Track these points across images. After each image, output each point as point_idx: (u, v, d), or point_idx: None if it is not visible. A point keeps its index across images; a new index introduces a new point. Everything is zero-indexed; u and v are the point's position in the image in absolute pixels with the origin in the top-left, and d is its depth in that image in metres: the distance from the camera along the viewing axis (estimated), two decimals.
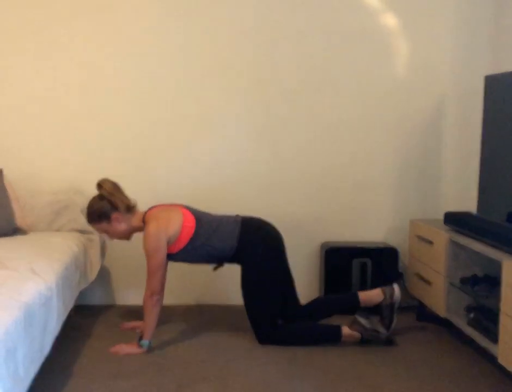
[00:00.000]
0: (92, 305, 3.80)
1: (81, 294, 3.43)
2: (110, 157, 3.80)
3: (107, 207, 3.16)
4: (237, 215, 3.30)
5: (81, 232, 3.56)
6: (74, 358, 3.00)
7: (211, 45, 3.76)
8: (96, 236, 3.56)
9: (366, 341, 3.21)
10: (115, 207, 3.16)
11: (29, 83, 3.74)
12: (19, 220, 3.45)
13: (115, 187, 3.20)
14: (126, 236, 3.28)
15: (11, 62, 3.72)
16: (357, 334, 3.20)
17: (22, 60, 3.72)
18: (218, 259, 3.27)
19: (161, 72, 3.77)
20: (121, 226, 3.21)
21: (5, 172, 3.56)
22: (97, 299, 3.85)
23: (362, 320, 3.21)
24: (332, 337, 3.22)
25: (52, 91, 3.75)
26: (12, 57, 3.72)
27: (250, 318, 3.24)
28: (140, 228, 3.20)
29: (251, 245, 3.20)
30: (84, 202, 3.47)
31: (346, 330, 3.21)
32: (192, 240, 3.15)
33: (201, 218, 3.21)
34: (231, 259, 3.25)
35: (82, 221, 3.47)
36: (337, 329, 3.22)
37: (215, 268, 3.35)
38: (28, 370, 2.24)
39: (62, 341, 3.04)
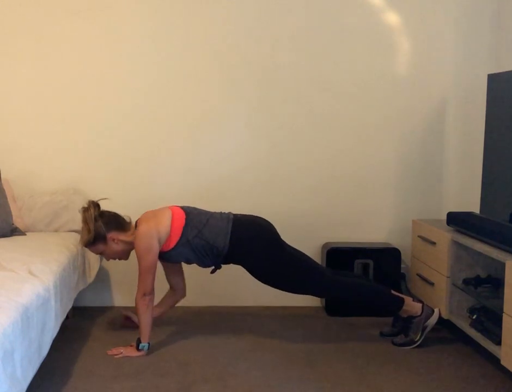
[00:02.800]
0: (90, 307, 3.78)
1: (80, 295, 3.41)
2: (110, 157, 3.78)
3: (101, 227, 3.08)
4: (229, 212, 3.22)
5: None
6: (72, 360, 2.98)
7: (210, 43, 3.74)
8: None
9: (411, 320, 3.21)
10: (109, 227, 3.09)
11: (27, 83, 3.71)
12: (17, 221, 3.43)
13: (99, 209, 3.13)
14: (124, 255, 3.20)
15: (9, 62, 3.70)
16: (418, 305, 3.21)
17: (20, 60, 3.70)
18: (213, 257, 3.14)
19: (161, 71, 3.75)
20: (118, 246, 3.13)
21: (3, 172, 3.54)
22: (95, 300, 3.83)
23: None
24: (397, 303, 3.21)
25: (50, 91, 3.72)
26: (10, 58, 3.69)
27: (300, 291, 3.27)
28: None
29: (245, 240, 3.11)
30: (82, 202, 3.43)
31: (408, 300, 3.23)
32: (184, 232, 3.06)
33: (190, 211, 3.14)
34: (228, 258, 3.15)
35: (81, 221, 3.43)
36: (402, 299, 3.23)
37: (212, 271, 3.26)
38: (26, 372, 2.23)
39: (60, 342, 3.03)
